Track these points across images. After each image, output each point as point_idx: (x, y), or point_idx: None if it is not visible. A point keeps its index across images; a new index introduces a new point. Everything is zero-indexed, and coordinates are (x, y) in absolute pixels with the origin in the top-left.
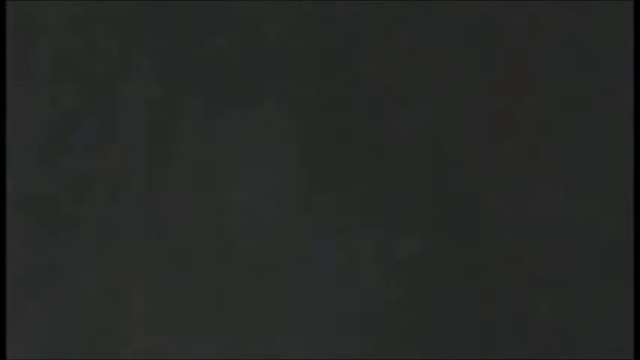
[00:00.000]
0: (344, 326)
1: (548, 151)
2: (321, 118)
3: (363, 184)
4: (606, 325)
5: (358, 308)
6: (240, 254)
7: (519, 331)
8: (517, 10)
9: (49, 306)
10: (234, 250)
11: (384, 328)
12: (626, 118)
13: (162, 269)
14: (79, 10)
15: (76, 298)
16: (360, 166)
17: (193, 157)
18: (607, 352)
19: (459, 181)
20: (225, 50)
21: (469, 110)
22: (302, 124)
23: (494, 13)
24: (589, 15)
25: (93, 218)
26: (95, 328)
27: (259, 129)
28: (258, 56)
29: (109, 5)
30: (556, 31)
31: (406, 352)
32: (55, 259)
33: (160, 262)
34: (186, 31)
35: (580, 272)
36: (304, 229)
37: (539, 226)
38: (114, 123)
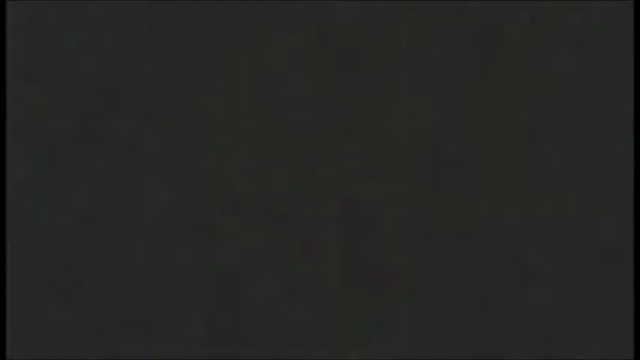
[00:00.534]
0: None
1: (548, 150)
2: None
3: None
4: (606, 325)
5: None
6: None
7: (519, 331)
8: (517, 10)
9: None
10: None
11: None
12: (626, 118)
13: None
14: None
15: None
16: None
17: None
18: (607, 352)
19: (458, 181)
20: None
21: (469, 110)
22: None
23: (494, 12)
24: (589, 15)
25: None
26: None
27: None
28: None
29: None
30: (556, 31)
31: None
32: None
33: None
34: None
35: (580, 272)
36: None
37: (540, 226)
38: None
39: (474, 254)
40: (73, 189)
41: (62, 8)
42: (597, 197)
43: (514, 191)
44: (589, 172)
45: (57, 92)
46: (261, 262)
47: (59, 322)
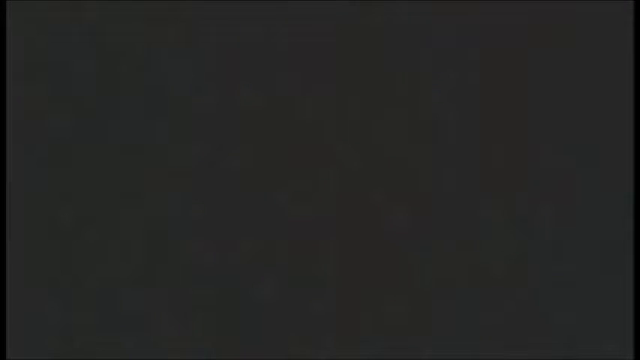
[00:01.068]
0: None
1: (548, 150)
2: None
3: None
4: (606, 325)
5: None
6: None
7: (520, 332)
8: (517, 10)
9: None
10: None
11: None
12: (626, 118)
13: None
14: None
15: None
16: (357, 166)
17: None
18: (607, 352)
19: (458, 181)
20: None
21: (468, 110)
22: None
23: (494, 12)
24: (589, 15)
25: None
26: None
27: None
28: None
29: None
30: (556, 31)
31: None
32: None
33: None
34: None
35: (580, 272)
36: None
37: (540, 226)
38: None
39: (474, 254)
40: (73, 189)
41: (62, 8)
42: (597, 196)
43: (514, 191)
44: (589, 172)
45: (57, 92)
46: (261, 262)
47: (59, 322)
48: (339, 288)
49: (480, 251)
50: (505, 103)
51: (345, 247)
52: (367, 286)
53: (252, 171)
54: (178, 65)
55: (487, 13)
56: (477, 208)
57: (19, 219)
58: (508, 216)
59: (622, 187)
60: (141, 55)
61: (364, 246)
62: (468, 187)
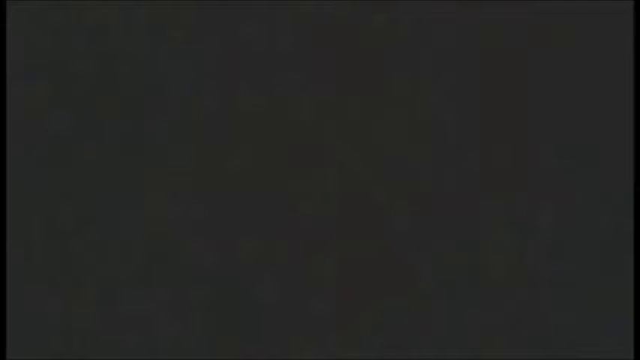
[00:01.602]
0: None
1: (547, 150)
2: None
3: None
4: (606, 325)
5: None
6: None
7: (519, 331)
8: (517, 10)
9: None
10: None
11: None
12: (626, 118)
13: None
14: None
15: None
16: (357, 166)
17: None
18: (607, 352)
19: (458, 180)
20: None
21: (468, 110)
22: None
23: (494, 12)
24: (589, 15)
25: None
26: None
27: None
28: None
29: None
30: (556, 30)
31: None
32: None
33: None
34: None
35: (580, 272)
36: None
37: (540, 226)
38: None
39: (474, 254)
40: (72, 189)
41: (62, 8)
42: (597, 197)
43: (514, 191)
44: (589, 172)
45: (57, 92)
46: (261, 262)
47: (59, 322)
48: (339, 288)
49: (480, 251)
50: (505, 104)
51: (345, 247)
52: (367, 286)
53: (253, 171)
54: (178, 65)
55: (487, 13)
56: (477, 208)
57: (19, 219)
58: (508, 216)
59: (622, 187)
60: (141, 55)
61: (364, 246)
62: (468, 187)
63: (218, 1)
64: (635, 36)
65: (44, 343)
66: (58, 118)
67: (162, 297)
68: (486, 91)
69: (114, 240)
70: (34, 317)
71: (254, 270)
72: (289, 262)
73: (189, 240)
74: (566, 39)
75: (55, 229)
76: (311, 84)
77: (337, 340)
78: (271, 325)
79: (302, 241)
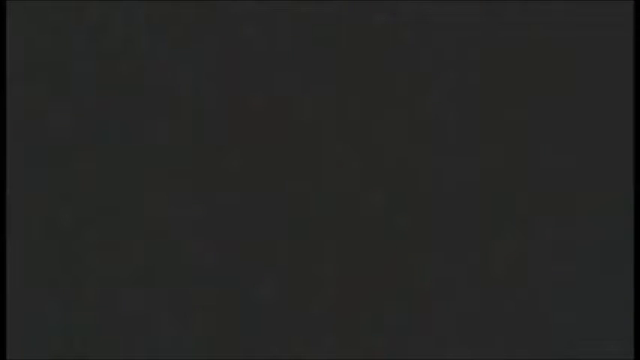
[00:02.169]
0: None
1: (547, 150)
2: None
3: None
4: (606, 325)
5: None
6: None
7: (519, 331)
8: (517, 10)
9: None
10: None
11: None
12: (626, 118)
13: None
14: None
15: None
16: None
17: None
18: (607, 353)
19: (458, 179)
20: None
21: (468, 110)
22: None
23: (494, 12)
24: (589, 15)
25: None
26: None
27: None
28: None
29: None
30: (556, 30)
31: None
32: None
33: None
34: None
35: (580, 272)
36: None
37: (540, 226)
38: None
39: (474, 254)
40: (73, 189)
41: (62, 8)
42: (597, 197)
43: (513, 191)
44: (589, 172)
45: (57, 92)
46: (261, 261)
47: (59, 322)
48: (339, 288)
49: (480, 251)
50: (505, 104)
51: (345, 247)
52: (367, 286)
53: (252, 171)
54: (178, 65)
55: (487, 13)
56: (477, 208)
57: (19, 219)
58: (508, 216)
59: (622, 187)
60: (141, 55)
61: (364, 246)
62: (468, 187)
63: (219, 1)
64: (635, 36)
65: (44, 343)
66: (58, 117)
67: (162, 297)
68: (485, 91)
69: (114, 240)
70: (34, 317)
71: (254, 270)
72: (289, 262)
73: (189, 240)
74: (566, 39)
75: (55, 229)
76: (311, 83)
77: (337, 340)
78: (271, 325)
79: (302, 241)
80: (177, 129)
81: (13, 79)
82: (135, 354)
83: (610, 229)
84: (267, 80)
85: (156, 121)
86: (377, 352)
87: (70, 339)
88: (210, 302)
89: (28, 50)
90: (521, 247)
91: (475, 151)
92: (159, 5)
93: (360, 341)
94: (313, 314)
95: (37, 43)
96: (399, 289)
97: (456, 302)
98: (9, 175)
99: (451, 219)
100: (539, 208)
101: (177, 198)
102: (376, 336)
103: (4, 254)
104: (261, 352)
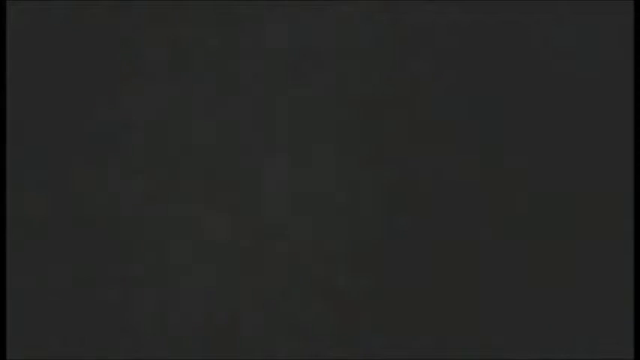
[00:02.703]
0: None
1: (547, 150)
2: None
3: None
4: (606, 325)
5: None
6: None
7: (519, 331)
8: (516, 10)
9: None
10: None
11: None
12: (626, 118)
13: None
14: None
15: None
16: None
17: None
18: (607, 352)
19: (458, 177)
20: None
21: (469, 109)
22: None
23: (493, 12)
24: (589, 15)
25: None
26: None
27: None
28: None
29: None
30: (556, 30)
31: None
32: None
33: None
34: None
35: (580, 272)
36: None
37: (539, 225)
38: None
39: (473, 254)
40: (73, 189)
41: (62, 8)
42: (597, 197)
43: (513, 191)
44: (588, 172)
45: (57, 92)
46: (261, 261)
47: (59, 322)
48: (340, 288)
49: (479, 251)
50: (504, 103)
51: (345, 247)
52: (367, 285)
53: (252, 170)
54: (178, 65)
55: (486, 13)
56: (477, 208)
57: (19, 219)
58: (508, 215)
59: (622, 187)
60: (141, 54)
61: (364, 246)
62: (468, 187)
63: (219, 0)
64: (635, 36)
65: (44, 343)
66: (58, 117)
67: (162, 297)
68: (485, 90)
69: (114, 239)
70: (34, 317)
71: (253, 268)
72: (289, 262)
73: (188, 239)
74: (566, 39)
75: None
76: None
77: (337, 339)
78: (271, 324)
79: (302, 241)
80: (177, 128)
81: (13, 79)
82: (135, 354)
83: (610, 229)
84: (266, 79)
85: (155, 121)
86: (377, 352)
87: (70, 339)
88: (210, 302)
89: (28, 50)
90: (521, 247)
91: (475, 150)
92: (159, 5)
93: (360, 341)
94: (313, 314)
95: (38, 42)
96: (399, 288)
97: (456, 302)
98: (9, 175)
99: (451, 217)
100: (539, 207)
101: (176, 197)
102: (376, 336)
103: (4, 254)
104: (260, 352)
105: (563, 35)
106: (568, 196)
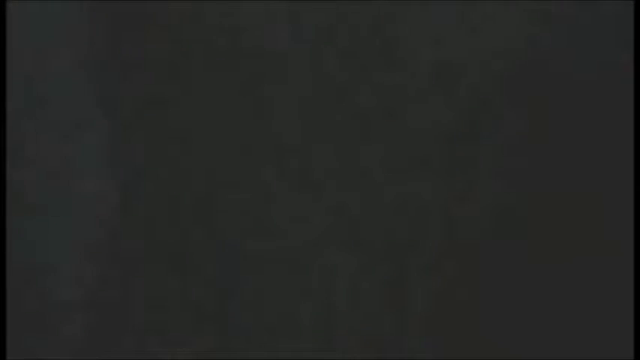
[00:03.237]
0: None
1: (547, 150)
2: None
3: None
4: (606, 325)
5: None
6: None
7: (519, 331)
8: (516, 10)
9: None
10: None
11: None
12: (626, 118)
13: None
14: None
15: None
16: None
17: None
18: (607, 352)
19: (458, 176)
20: None
21: (468, 110)
22: None
23: (492, 12)
24: (589, 15)
25: None
26: None
27: None
28: None
29: None
30: (556, 30)
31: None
32: None
33: None
34: None
35: (580, 272)
36: None
37: (538, 225)
38: None
39: (473, 253)
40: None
41: (62, 8)
42: (597, 197)
43: (513, 191)
44: (589, 172)
45: (57, 92)
46: (261, 261)
47: (59, 322)
48: (342, 288)
49: (479, 250)
50: (503, 104)
51: (345, 247)
52: (367, 285)
53: (252, 170)
54: (178, 64)
55: (486, 13)
56: (475, 208)
57: (18, 219)
58: (508, 215)
59: (622, 187)
60: (141, 54)
61: (364, 246)
62: (467, 187)
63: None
64: (635, 36)
65: (44, 343)
66: (59, 117)
67: (162, 297)
68: (483, 91)
69: (114, 239)
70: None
71: (253, 268)
72: (289, 262)
73: (189, 239)
74: (566, 39)
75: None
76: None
77: (337, 340)
78: (271, 324)
79: (302, 241)
80: (177, 128)
81: (13, 79)
82: (135, 354)
83: (610, 229)
84: (265, 79)
85: (155, 121)
86: (377, 353)
87: (70, 339)
88: (209, 302)
89: (27, 50)
90: (521, 246)
91: (475, 150)
92: (159, 4)
93: (359, 341)
94: (314, 314)
95: (37, 43)
96: (399, 288)
97: (456, 302)
98: (9, 175)
99: (450, 217)
100: (538, 207)
101: (176, 197)
102: (376, 336)
103: (4, 254)
104: (260, 352)
105: (562, 35)
106: (568, 196)
